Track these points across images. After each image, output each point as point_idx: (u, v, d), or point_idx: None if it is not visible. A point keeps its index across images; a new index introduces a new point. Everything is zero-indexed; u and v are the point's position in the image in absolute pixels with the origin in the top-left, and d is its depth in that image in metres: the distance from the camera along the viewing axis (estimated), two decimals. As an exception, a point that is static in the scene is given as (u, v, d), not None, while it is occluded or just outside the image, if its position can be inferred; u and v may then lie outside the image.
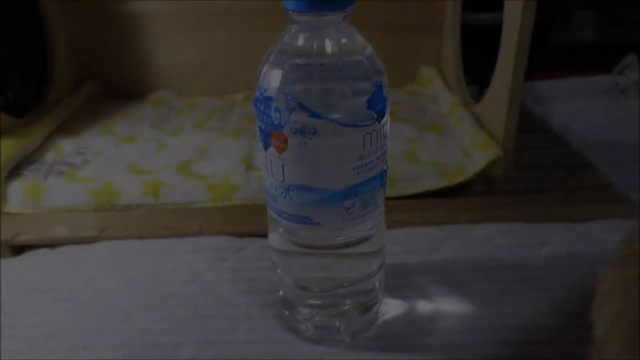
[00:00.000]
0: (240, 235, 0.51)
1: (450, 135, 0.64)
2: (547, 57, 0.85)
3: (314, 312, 0.38)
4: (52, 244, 0.51)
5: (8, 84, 0.65)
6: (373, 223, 0.36)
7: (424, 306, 0.41)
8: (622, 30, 0.82)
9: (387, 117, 0.33)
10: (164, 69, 0.78)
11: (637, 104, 0.82)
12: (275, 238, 0.37)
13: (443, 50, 0.78)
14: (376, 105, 0.31)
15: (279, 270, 0.38)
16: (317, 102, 0.30)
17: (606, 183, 0.56)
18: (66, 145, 0.64)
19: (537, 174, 0.58)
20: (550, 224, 0.50)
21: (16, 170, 0.57)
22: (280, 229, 0.36)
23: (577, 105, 0.82)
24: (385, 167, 0.34)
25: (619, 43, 0.83)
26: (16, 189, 0.54)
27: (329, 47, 0.30)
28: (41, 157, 0.61)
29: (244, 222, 0.51)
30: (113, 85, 0.80)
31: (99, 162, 0.60)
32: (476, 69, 0.85)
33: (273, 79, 0.30)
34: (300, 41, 0.30)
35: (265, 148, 0.32)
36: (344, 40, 0.31)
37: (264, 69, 0.31)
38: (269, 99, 0.30)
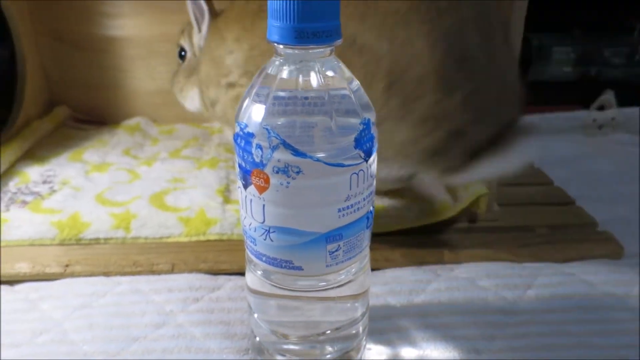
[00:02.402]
0: (216, 272, 0.48)
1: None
2: (526, 92, 0.86)
3: (293, 361, 0.36)
4: (11, 281, 0.47)
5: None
6: (358, 267, 0.34)
7: (408, 353, 0.39)
8: (599, 66, 0.83)
9: (374, 156, 0.31)
10: (139, 95, 0.76)
11: (614, 139, 0.83)
12: (252, 279, 0.35)
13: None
14: (364, 144, 0.29)
15: (255, 315, 0.36)
16: (301, 140, 0.28)
17: (589, 222, 0.56)
18: (32, 173, 0.61)
19: (520, 211, 0.58)
20: (535, 264, 0.49)
21: (-24, 199, 0.54)
22: (259, 272, 0.34)
23: (556, 140, 0.82)
24: (371, 208, 0.33)
25: (596, 79, 0.85)
26: (-26, 220, 0.51)
27: (314, 80, 0.29)
28: (4, 186, 0.58)
29: (220, 258, 0.49)
30: (86, 110, 0.77)
31: (66, 192, 0.57)
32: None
33: (255, 113, 0.29)
34: (285, 74, 0.29)
35: (245, 187, 0.30)
36: (330, 74, 0.29)
37: (245, 103, 0.30)
38: (250, 135, 0.29)
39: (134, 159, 0.66)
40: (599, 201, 0.63)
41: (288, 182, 0.28)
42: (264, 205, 0.30)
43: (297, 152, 0.28)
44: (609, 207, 0.62)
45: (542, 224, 0.56)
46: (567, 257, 0.50)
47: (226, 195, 0.56)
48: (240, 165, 0.30)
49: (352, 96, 0.29)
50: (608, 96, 0.83)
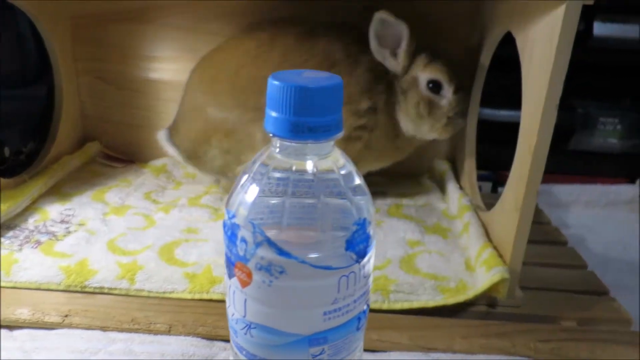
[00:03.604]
0: (213, 338, 0.46)
1: (455, 242, 0.59)
2: (566, 160, 0.82)
3: None
4: (11, 326, 0.47)
5: (7, 140, 0.64)
6: (346, 370, 0.31)
7: None
8: (648, 140, 0.78)
9: (370, 255, 0.29)
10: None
11: (661, 220, 0.77)
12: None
13: (458, 145, 0.75)
14: (356, 246, 0.27)
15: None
16: (288, 238, 0.26)
17: (623, 318, 0.51)
18: (52, 211, 0.61)
19: (545, 298, 0.53)
20: (555, 364, 0.45)
21: (-7, 235, 0.55)
22: (241, 363, 0.32)
23: (596, 215, 0.77)
24: (365, 307, 0.30)
25: (644, 154, 0.80)
26: (-13, 258, 0.51)
27: (309, 178, 0.27)
28: (24, 222, 0.58)
29: (219, 323, 0.47)
30: (117, 147, 0.78)
31: (80, 235, 0.57)
32: (492, 166, 0.82)
33: (243, 205, 0.27)
34: (279, 167, 0.27)
35: (229, 276, 0.29)
36: (327, 172, 0.27)
37: (236, 191, 0.28)
38: (236, 226, 0.27)
39: (153, 203, 0.66)
40: (636, 292, 0.58)
41: (270, 281, 0.26)
42: (245, 300, 0.28)
43: (281, 252, 0.26)
44: (647, 300, 0.57)
45: (570, 316, 0.51)
46: (593, 359, 0.45)
47: (236, 253, 0.55)
48: (226, 253, 0.29)
49: (349, 197, 0.27)
50: (656, 172, 0.78)
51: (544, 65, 0.44)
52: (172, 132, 0.66)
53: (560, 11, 0.42)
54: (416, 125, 0.65)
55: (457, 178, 0.73)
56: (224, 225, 0.28)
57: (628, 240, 0.71)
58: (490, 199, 0.69)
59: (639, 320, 0.52)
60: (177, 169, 0.76)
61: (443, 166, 0.76)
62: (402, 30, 0.60)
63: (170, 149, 0.66)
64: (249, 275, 0.27)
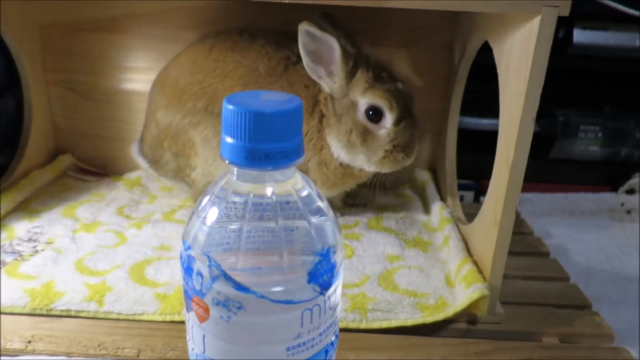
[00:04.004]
0: (183, 363, 0.44)
1: (436, 256, 0.58)
2: (548, 168, 0.81)
3: None
4: (-30, 354, 0.45)
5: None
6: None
7: None
8: (629, 148, 0.78)
9: (336, 285, 0.27)
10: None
11: (644, 228, 0.76)
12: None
13: (439, 154, 0.74)
14: (320, 277, 0.26)
15: None
16: (246, 271, 0.25)
17: (605, 334, 0.50)
18: (19, 229, 0.59)
19: (527, 313, 0.52)
20: (537, 384, 0.44)
21: (-46, 257, 0.52)
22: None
23: (578, 224, 0.76)
24: (333, 339, 0.29)
25: (625, 161, 0.79)
26: (-53, 282, 0.49)
27: (268, 202, 0.25)
28: (-12, 241, 0.56)
29: (189, 347, 0.45)
30: (90, 160, 0.76)
31: (47, 254, 0.55)
32: (474, 175, 0.81)
33: (199, 235, 0.26)
34: (236, 195, 0.26)
35: (187, 309, 0.27)
36: (286, 194, 0.26)
37: (192, 220, 0.27)
38: (192, 259, 0.25)
39: (125, 219, 0.63)
40: (619, 305, 0.58)
41: (229, 317, 0.25)
42: (204, 335, 0.26)
43: (238, 286, 0.24)
44: (630, 314, 0.56)
45: (551, 332, 0.50)
46: (575, 378, 0.44)
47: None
48: (183, 286, 0.27)
49: (311, 228, 0.26)
50: (638, 180, 0.77)
51: (520, 77, 0.43)
52: (141, 143, 0.67)
53: (535, 22, 0.41)
54: (349, 154, 0.58)
55: (438, 188, 0.72)
56: (181, 256, 0.27)
57: (610, 249, 0.70)
58: (472, 208, 0.68)
59: (622, 333, 0.51)
60: (152, 182, 0.74)
61: (424, 176, 0.74)
62: (333, 45, 0.53)
63: (141, 161, 0.67)
64: (206, 310, 0.25)
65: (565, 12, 0.40)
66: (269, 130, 0.24)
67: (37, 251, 0.56)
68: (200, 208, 0.26)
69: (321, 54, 0.54)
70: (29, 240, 0.58)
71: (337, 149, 0.58)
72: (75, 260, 0.54)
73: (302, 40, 0.53)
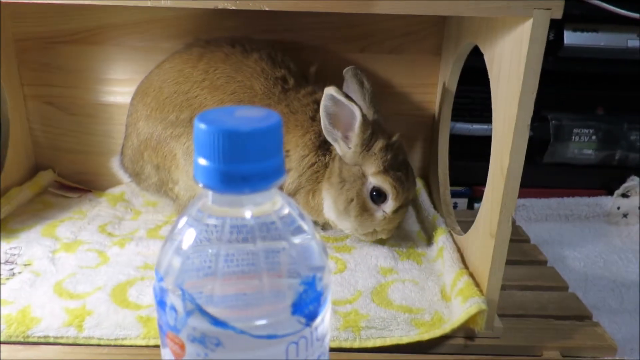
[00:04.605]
0: (167, 390, 0.42)
1: (430, 268, 0.56)
2: (541, 173, 0.80)
3: None
4: (-60, 388, 0.42)
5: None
6: None
7: None
8: (623, 150, 0.77)
9: (324, 314, 0.25)
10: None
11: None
12: None
13: (431, 161, 0.73)
14: (305, 307, 0.24)
15: None
16: (224, 304, 0.23)
17: (608, 345, 0.48)
18: (-4, 251, 0.57)
19: (526, 326, 0.50)
20: (539, 403, 0.42)
21: None
22: None
23: (575, 229, 0.75)
24: (322, 370, 0.27)
25: (620, 164, 0.78)
26: None
27: (247, 230, 0.23)
28: (-38, 265, 0.54)
29: (174, 374, 0.43)
30: (72, 175, 0.74)
31: (25, 277, 0.52)
32: (467, 181, 0.80)
33: (171, 265, 0.23)
34: (210, 219, 0.24)
35: (162, 345, 0.25)
36: (267, 220, 0.24)
37: (164, 248, 0.24)
38: (164, 291, 0.23)
39: (108, 236, 0.61)
40: (619, 313, 0.56)
41: (206, 354, 0.23)
42: (181, 374, 0.24)
43: (215, 322, 0.22)
44: (630, 323, 0.54)
45: (552, 345, 0.48)
46: (578, 395, 0.43)
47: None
48: (157, 320, 0.25)
49: (294, 253, 0.24)
50: (634, 183, 0.76)
51: (513, 83, 0.41)
52: (122, 156, 0.65)
53: (527, 26, 0.39)
54: (338, 217, 0.57)
55: (431, 196, 0.70)
56: (154, 288, 0.24)
57: (608, 255, 0.69)
58: (466, 216, 0.67)
59: (623, 343, 0.50)
60: (136, 197, 0.71)
61: (417, 184, 0.73)
62: (355, 113, 0.52)
63: (122, 175, 0.65)
64: (182, 347, 0.23)
65: (558, 15, 0.38)
66: (245, 150, 0.22)
67: (14, 274, 0.53)
68: (173, 234, 0.24)
69: (340, 118, 0.54)
70: (6, 262, 0.55)
71: (329, 210, 0.58)
72: (54, 283, 0.52)
73: (325, 103, 0.52)
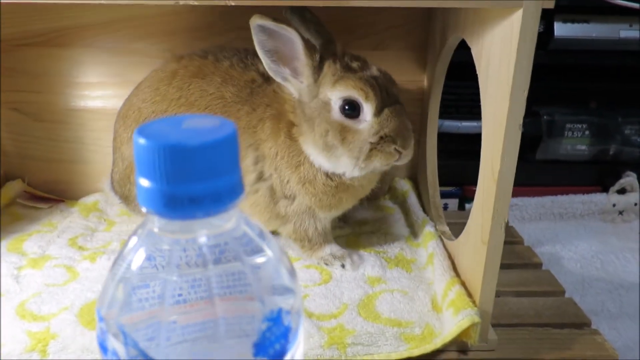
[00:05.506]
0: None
1: (420, 276, 0.53)
2: (534, 170, 0.77)
3: None
4: None
5: None
6: None
7: None
8: (618, 145, 0.74)
9: (294, 350, 0.22)
10: (102, 170, 0.68)
11: (638, 229, 0.72)
12: None
13: (419, 162, 0.70)
14: (270, 347, 0.20)
15: None
16: (172, 349, 0.19)
17: (609, 355, 0.45)
18: (-43, 270, 0.53)
19: (522, 336, 0.48)
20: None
21: None
22: None
23: (570, 228, 0.72)
24: (294, 411, 0.23)
25: (615, 159, 0.75)
26: None
27: (198, 261, 0.20)
28: None
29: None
30: (43, 185, 0.70)
31: (-14, 299, 0.49)
32: (457, 181, 0.77)
33: (112, 303, 0.20)
34: (157, 249, 0.20)
35: (109, 392, 0.22)
36: (223, 246, 0.21)
37: (105, 284, 0.21)
38: (105, 333, 0.20)
39: (78, 250, 0.58)
40: (618, 318, 0.53)
41: (155, 405, 0.19)
42: None
43: (163, 370, 0.19)
44: (630, 328, 0.52)
45: (550, 357, 0.45)
46: (579, 412, 0.40)
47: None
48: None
49: (257, 276, 0.21)
50: (630, 179, 0.73)
51: (502, 79, 0.38)
52: (111, 180, 0.63)
53: (516, 17, 0.36)
54: (329, 158, 0.50)
55: (420, 198, 0.67)
56: (97, 328, 0.21)
57: (605, 255, 0.66)
58: (457, 217, 0.64)
59: (624, 350, 0.47)
60: (110, 207, 0.67)
61: (404, 185, 0.70)
62: (293, 38, 0.46)
63: (114, 198, 0.64)
64: (128, 396, 0.20)
65: (550, 4, 0.35)
66: (193, 167, 0.18)
67: (-26, 295, 0.49)
68: (115, 268, 0.21)
69: (282, 51, 0.48)
70: (-33, 282, 0.51)
71: (317, 157, 0.51)
72: (17, 304, 0.48)
73: (257, 37, 0.46)
